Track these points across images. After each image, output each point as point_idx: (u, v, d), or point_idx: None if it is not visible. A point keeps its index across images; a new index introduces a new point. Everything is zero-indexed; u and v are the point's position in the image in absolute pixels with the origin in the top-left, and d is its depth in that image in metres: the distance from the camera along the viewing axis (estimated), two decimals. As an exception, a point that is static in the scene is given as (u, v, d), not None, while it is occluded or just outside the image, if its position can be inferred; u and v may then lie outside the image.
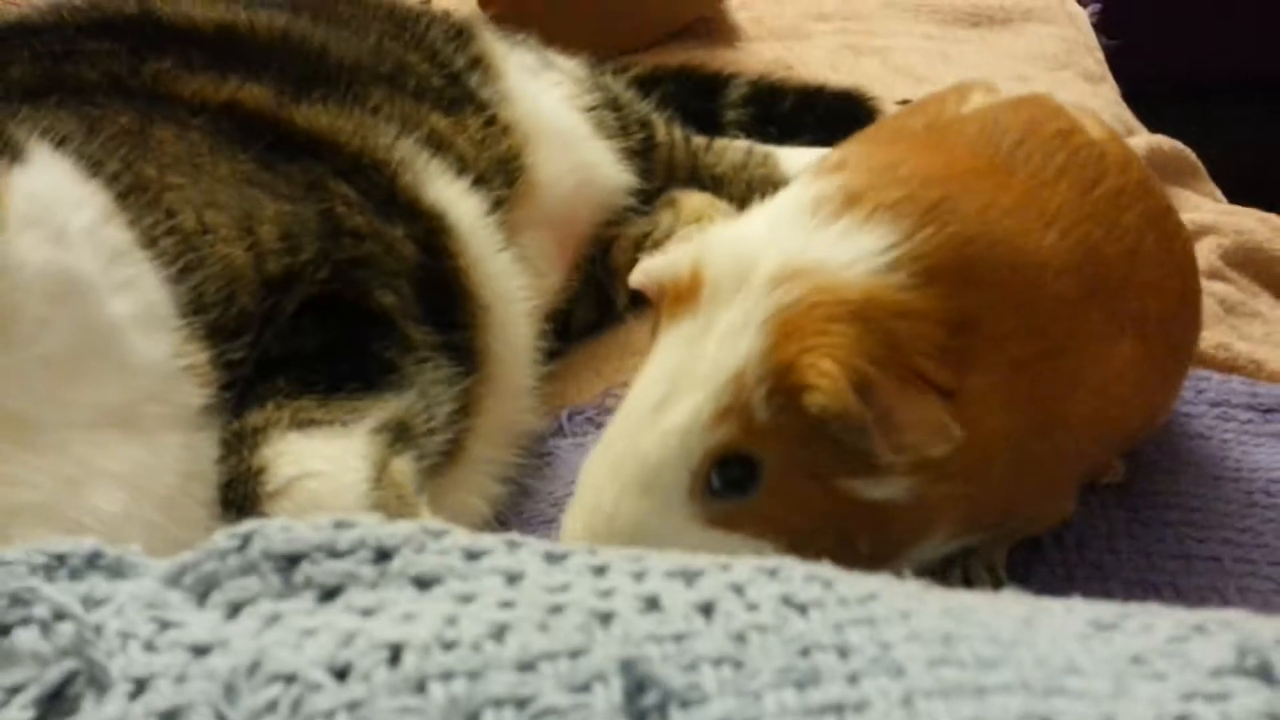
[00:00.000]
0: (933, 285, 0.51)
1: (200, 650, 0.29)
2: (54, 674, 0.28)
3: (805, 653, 0.27)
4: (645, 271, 0.57)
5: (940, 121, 0.66)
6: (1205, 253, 1.12)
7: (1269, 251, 1.15)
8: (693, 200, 1.10)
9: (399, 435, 0.61)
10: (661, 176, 1.12)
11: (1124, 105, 1.56)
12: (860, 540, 0.52)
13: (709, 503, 0.51)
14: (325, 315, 0.66)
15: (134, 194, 0.62)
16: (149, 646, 0.29)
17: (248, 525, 0.32)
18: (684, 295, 0.53)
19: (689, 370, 0.51)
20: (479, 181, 0.87)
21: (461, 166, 0.86)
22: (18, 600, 0.29)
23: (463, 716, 0.26)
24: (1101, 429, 0.60)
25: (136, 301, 0.58)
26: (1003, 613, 0.31)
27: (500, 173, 0.90)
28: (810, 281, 0.50)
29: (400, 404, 0.62)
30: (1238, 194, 1.35)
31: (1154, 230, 0.62)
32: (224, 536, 0.32)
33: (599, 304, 1.02)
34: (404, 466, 0.60)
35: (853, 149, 0.64)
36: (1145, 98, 1.63)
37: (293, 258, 0.65)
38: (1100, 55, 1.73)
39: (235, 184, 0.68)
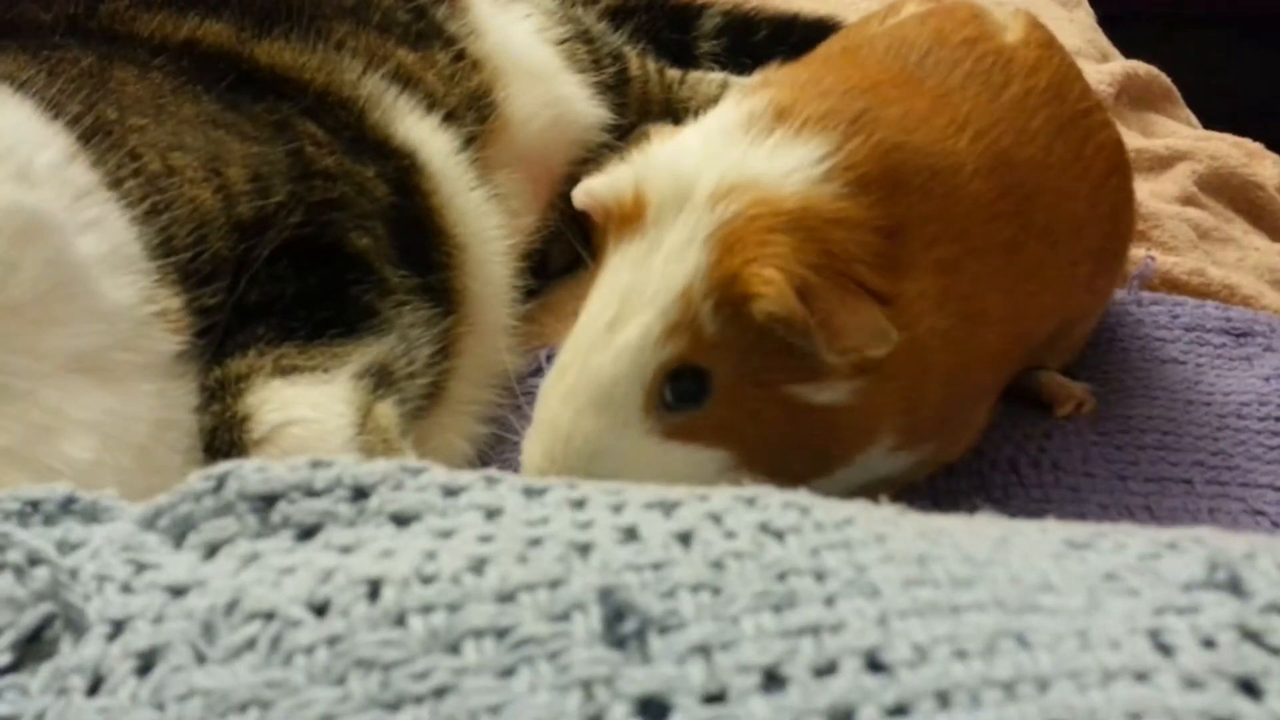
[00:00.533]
0: (864, 193, 0.53)
1: (177, 591, 0.29)
2: (30, 618, 0.27)
3: (782, 577, 0.28)
4: (587, 192, 0.58)
5: (855, 41, 0.68)
6: (1180, 179, 1.12)
7: (1243, 176, 1.15)
8: (667, 135, 1.09)
9: (381, 380, 0.61)
10: (635, 111, 1.10)
11: (1099, 31, 1.55)
12: (808, 446, 0.54)
13: (663, 416, 0.52)
14: (301, 260, 0.65)
15: (97, 136, 0.60)
16: (126, 588, 0.29)
17: (222, 467, 0.32)
18: (629, 216, 0.55)
19: (638, 290, 0.52)
20: (449, 118, 0.85)
21: (431, 103, 0.84)
22: (-10, 546, 0.29)
23: (443, 648, 0.26)
24: (1017, 329, 0.62)
25: (103, 242, 0.57)
26: (977, 534, 0.31)
27: (471, 109, 0.88)
28: (749, 195, 0.52)
29: (381, 348, 0.62)
30: (1211, 120, 1.35)
31: (1063, 135, 0.63)
32: (198, 478, 0.32)
33: (575, 244, 1.01)
34: (387, 411, 0.60)
35: (776, 70, 0.65)
36: (1121, 23, 1.62)
37: (264, 200, 0.64)
38: (1076, -20, 1.71)
39: (200, 125, 0.66)
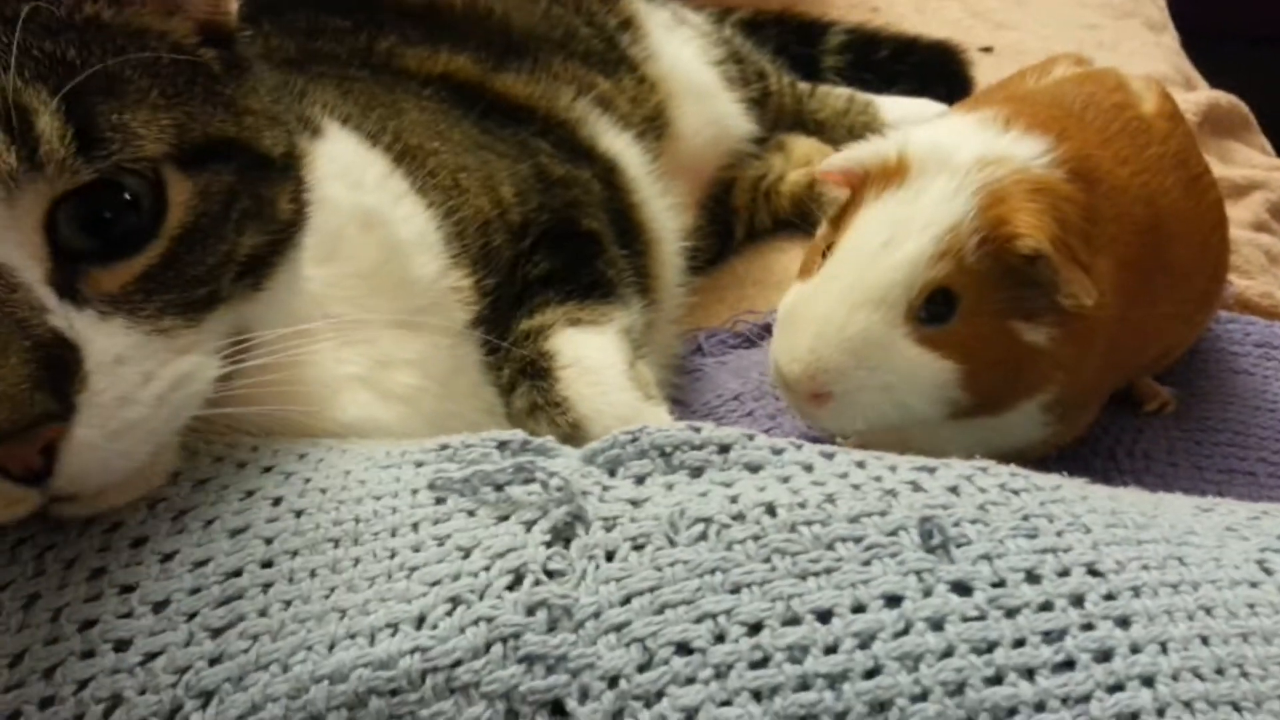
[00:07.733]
0: (1076, 183, 0.67)
1: (635, 503, 0.45)
2: (558, 513, 0.44)
3: (1025, 518, 0.44)
4: (846, 158, 0.72)
5: (1016, 93, 0.81)
6: (1255, 206, 1.25)
7: (1309, 205, 1.28)
8: (801, 145, 1.23)
9: (634, 344, 0.77)
10: (770, 122, 1.24)
11: (1183, 55, 1.66)
12: (1005, 377, 0.66)
13: (916, 326, 0.65)
14: (553, 243, 0.81)
15: (404, 159, 0.76)
16: (601, 499, 0.45)
17: (637, 426, 0.48)
18: (891, 174, 0.68)
19: (909, 221, 0.65)
20: (636, 135, 1.01)
21: (624, 124, 0.99)
22: (520, 469, 0.45)
23: (824, 546, 0.42)
24: (1137, 343, 0.73)
25: (414, 230, 0.74)
26: (1142, 497, 0.47)
27: (650, 128, 1.04)
28: (1007, 167, 0.66)
29: (628, 320, 0.78)
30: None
31: (1186, 193, 0.76)
32: (620, 433, 0.48)
33: (719, 240, 1.16)
34: (644, 368, 0.75)
35: (970, 102, 0.79)
36: (1199, 43, 1.73)
37: (525, 207, 0.80)
38: (1162, 3, 1.82)
39: (470, 148, 0.82)
